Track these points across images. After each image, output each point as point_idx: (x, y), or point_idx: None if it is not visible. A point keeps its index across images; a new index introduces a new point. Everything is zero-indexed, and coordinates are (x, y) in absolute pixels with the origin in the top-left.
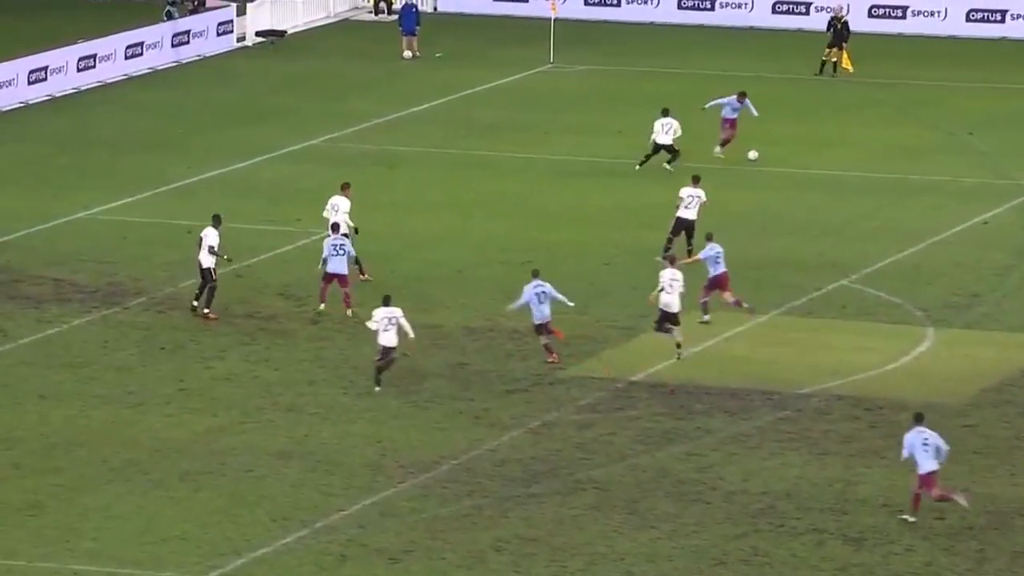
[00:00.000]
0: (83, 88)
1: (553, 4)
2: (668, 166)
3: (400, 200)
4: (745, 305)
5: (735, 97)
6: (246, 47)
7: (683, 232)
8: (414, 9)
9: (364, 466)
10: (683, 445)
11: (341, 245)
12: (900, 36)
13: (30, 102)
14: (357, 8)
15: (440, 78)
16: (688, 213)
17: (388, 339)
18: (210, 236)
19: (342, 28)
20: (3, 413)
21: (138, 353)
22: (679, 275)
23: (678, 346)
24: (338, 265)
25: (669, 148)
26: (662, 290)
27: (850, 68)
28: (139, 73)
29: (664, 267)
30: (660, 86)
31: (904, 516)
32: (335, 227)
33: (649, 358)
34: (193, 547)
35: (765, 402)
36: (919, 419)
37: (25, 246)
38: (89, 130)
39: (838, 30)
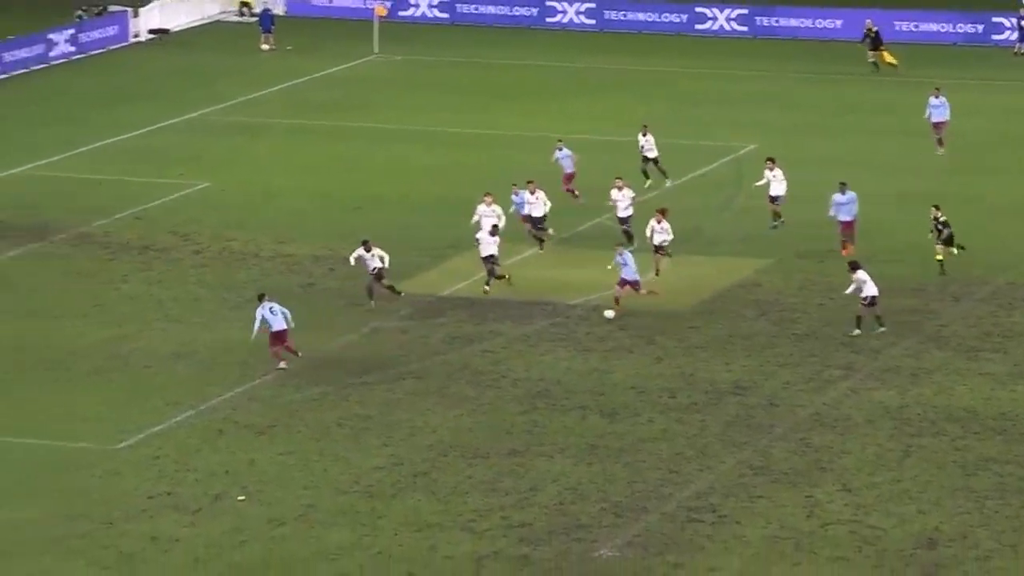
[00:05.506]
0: (13, 75)
1: (380, 8)
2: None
3: (262, 160)
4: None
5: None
6: (140, 42)
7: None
8: (270, 12)
9: (236, 363)
10: (480, 344)
11: (272, 307)
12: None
13: None
14: (225, 11)
15: (291, 66)
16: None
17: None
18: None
19: (214, 27)
20: None
21: (60, 277)
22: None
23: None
24: (278, 323)
25: (655, 161)
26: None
27: (894, 61)
28: (57, 63)
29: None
30: (460, 73)
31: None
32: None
33: (453, 279)
34: (105, 425)
35: (541, 311)
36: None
37: None
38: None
39: (874, 37)
